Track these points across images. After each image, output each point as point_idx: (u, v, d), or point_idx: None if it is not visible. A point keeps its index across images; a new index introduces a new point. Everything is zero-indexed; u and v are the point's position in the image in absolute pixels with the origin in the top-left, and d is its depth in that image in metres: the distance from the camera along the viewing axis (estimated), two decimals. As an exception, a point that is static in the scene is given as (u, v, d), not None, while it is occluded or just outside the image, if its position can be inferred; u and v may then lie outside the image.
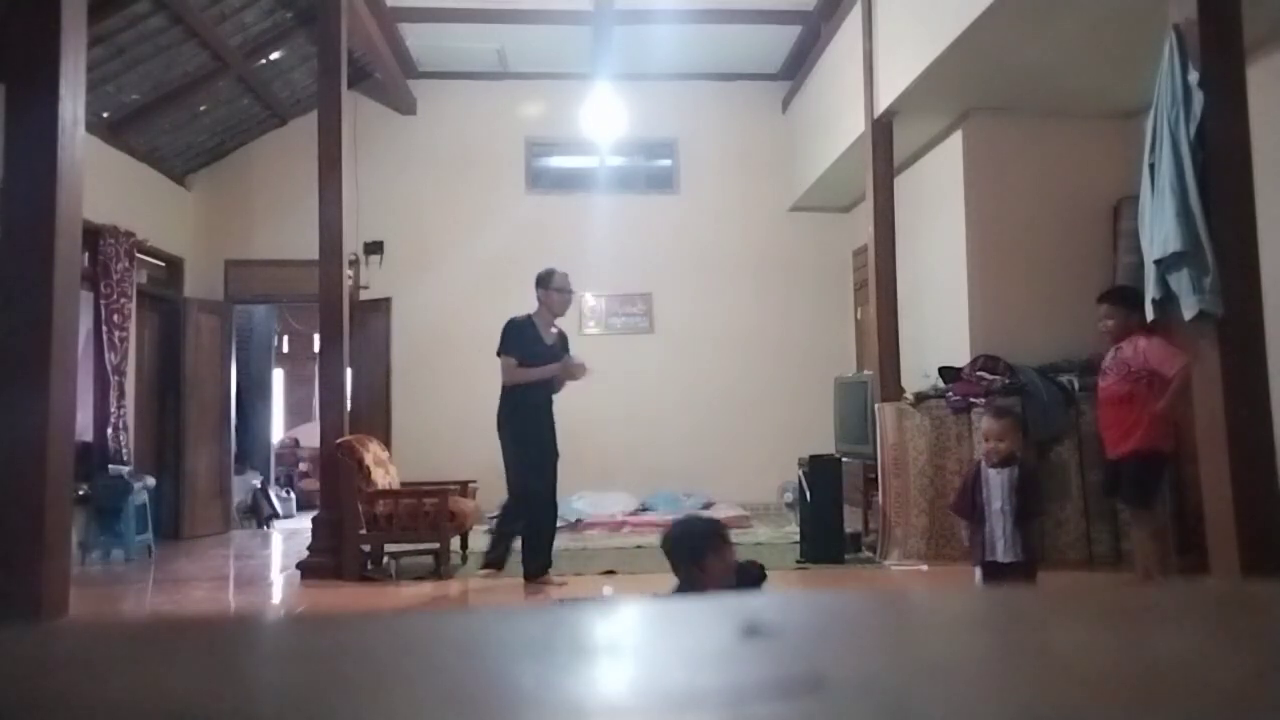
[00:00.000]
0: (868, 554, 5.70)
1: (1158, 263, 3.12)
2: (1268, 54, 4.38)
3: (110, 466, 6.46)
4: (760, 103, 8.70)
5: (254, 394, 9.47)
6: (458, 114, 8.55)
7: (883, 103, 5.92)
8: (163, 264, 7.91)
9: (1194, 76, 2.98)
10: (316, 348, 8.52)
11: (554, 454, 5.04)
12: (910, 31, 5.48)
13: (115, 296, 6.68)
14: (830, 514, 5.60)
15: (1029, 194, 5.88)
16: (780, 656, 0.41)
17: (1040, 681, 0.38)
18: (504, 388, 5.01)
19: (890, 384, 5.87)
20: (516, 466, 4.98)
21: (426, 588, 5.18)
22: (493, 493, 5.90)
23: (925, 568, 5.31)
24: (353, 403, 6.78)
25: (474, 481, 6.24)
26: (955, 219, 6.00)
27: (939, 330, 6.22)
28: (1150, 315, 3.29)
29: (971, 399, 5.35)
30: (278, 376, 11.38)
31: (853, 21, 6.43)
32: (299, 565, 5.51)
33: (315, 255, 5.73)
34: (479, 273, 8.07)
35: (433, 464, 6.91)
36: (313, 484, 8.35)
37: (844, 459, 6.03)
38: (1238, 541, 2.86)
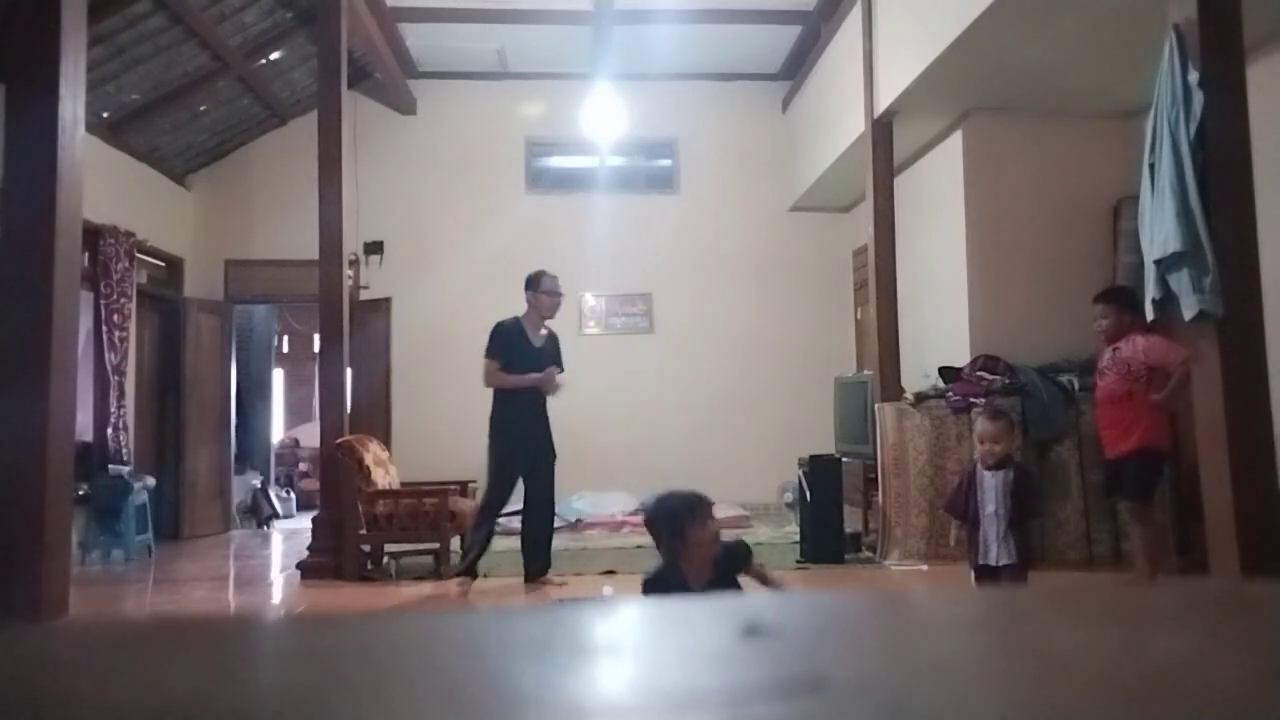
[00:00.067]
0: (868, 554, 5.69)
1: (1158, 263, 3.12)
2: (1268, 54, 4.38)
3: (110, 466, 6.46)
4: (760, 103, 8.70)
5: (254, 394, 9.48)
6: (458, 114, 8.55)
7: (883, 103, 5.92)
8: (163, 264, 7.91)
9: (1194, 76, 2.98)
10: (316, 348, 8.52)
11: (549, 455, 5.04)
12: (910, 31, 5.48)
13: (115, 296, 6.69)
14: (830, 514, 5.60)
15: (1029, 194, 5.88)
16: (780, 656, 0.41)
17: (1040, 681, 0.38)
18: (494, 390, 5.02)
19: (890, 384, 5.87)
20: (491, 470, 4.99)
21: (426, 588, 5.17)
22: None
23: (925, 568, 5.31)
24: (353, 403, 6.78)
25: (474, 481, 6.22)
26: (955, 219, 6.01)
27: (939, 330, 6.22)
28: (1150, 315, 3.30)
29: (971, 399, 5.35)
30: (278, 376, 11.39)
31: (853, 21, 6.43)
32: (299, 565, 5.51)
33: (315, 255, 5.73)
34: (479, 273, 8.07)
35: (433, 464, 6.91)
36: (313, 484, 8.35)
37: (844, 459, 6.03)
38: (1238, 541, 2.86)
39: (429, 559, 5.50)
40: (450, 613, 1.19)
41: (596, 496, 7.53)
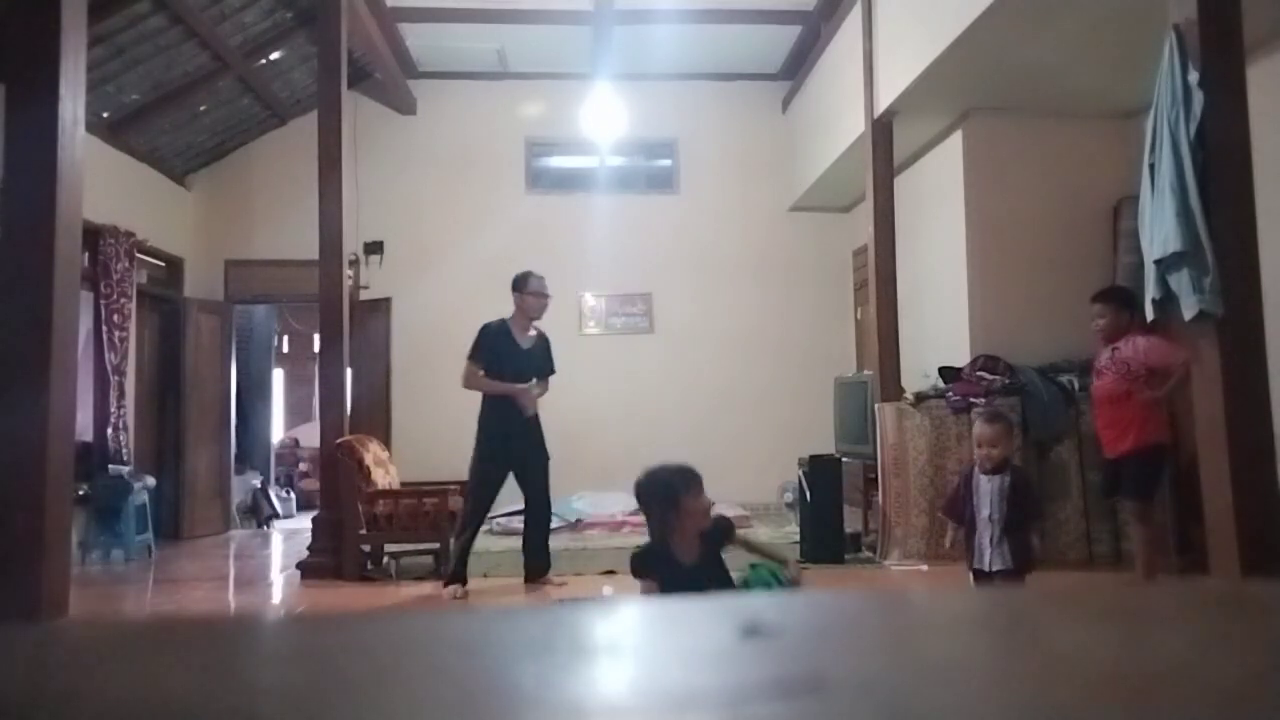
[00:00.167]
0: (868, 554, 5.70)
1: (1158, 263, 3.12)
2: (1268, 54, 4.38)
3: (110, 466, 6.46)
4: (760, 103, 8.70)
5: (254, 394, 9.47)
6: (458, 114, 8.55)
7: (883, 103, 5.92)
8: (163, 264, 7.91)
9: (1194, 76, 2.98)
10: (316, 348, 8.53)
11: (539, 457, 5.01)
12: (910, 31, 5.48)
13: (115, 296, 6.69)
14: (830, 514, 5.60)
15: (1029, 194, 5.88)
16: (780, 656, 0.41)
17: (1040, 681, 0.38)
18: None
19: (890, 384, 5.87)
20: (470, 477, 4.97)
21: (426, 588, 5.17)
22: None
23: (925, 568, 5.31)
24: (353, 403, 6.78)
25: (473, 482, 6.23)
26: (955, 219, 6.01)
27: (939, 330, 6.22)
28: (1150, 315, 3.29)
29: (971, 399, 5.35)
30: (278, 376, 11.39)
31: (853, 21, 6.43)
32: (299, 565, 5.51)
33: (315, 255, 5.73)
34: (479, 273, 8.06)
35: (433, 464, 6.90)
36: (313, 484, 8.35)
37: (844, 459, 6.03)
38: (1238, 541, 2.86)
39: (429, 559, 5.50)
40: (450, 613, 1.19)
41: (596, 496, 7.52)
